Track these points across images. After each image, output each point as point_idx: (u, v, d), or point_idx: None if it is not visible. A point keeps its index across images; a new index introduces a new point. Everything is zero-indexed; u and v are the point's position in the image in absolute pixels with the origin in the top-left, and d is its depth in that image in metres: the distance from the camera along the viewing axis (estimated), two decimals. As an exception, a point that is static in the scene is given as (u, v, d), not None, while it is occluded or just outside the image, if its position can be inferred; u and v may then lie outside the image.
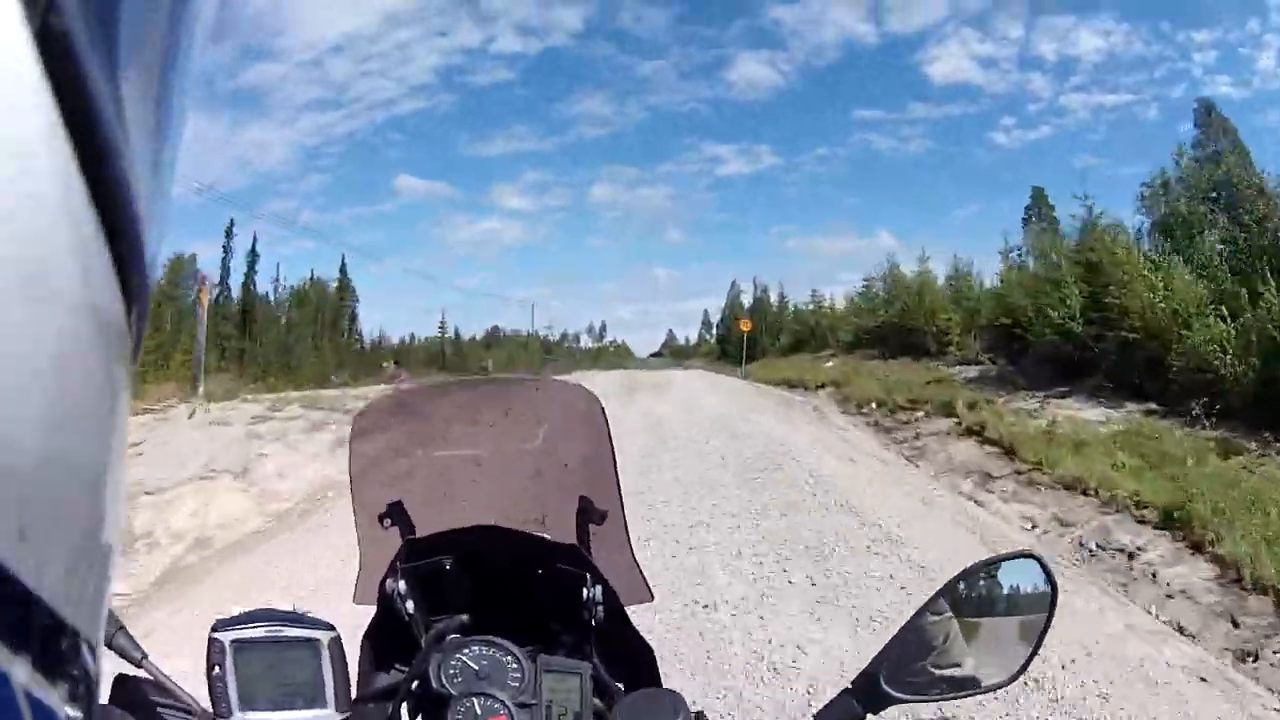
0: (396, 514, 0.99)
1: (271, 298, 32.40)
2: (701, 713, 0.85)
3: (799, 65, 55.66)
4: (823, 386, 17.59)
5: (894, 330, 21.91)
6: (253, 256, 29.68)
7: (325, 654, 0.78)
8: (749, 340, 34.57)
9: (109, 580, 0.23)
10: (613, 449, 1.03)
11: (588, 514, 1.00)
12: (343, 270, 36.62)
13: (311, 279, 35.18)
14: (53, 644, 0.19)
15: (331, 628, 0.79)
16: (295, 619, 0.79)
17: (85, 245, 0.19)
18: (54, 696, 0.19)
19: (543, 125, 66.76)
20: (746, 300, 54.12)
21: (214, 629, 0.77)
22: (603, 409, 1.06)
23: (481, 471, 1.09)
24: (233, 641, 0.76)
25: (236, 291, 30.13)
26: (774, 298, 50.29)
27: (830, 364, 22.70)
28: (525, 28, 55.64)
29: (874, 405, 13.28)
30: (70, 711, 0.20)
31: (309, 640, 0.78)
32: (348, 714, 0.79)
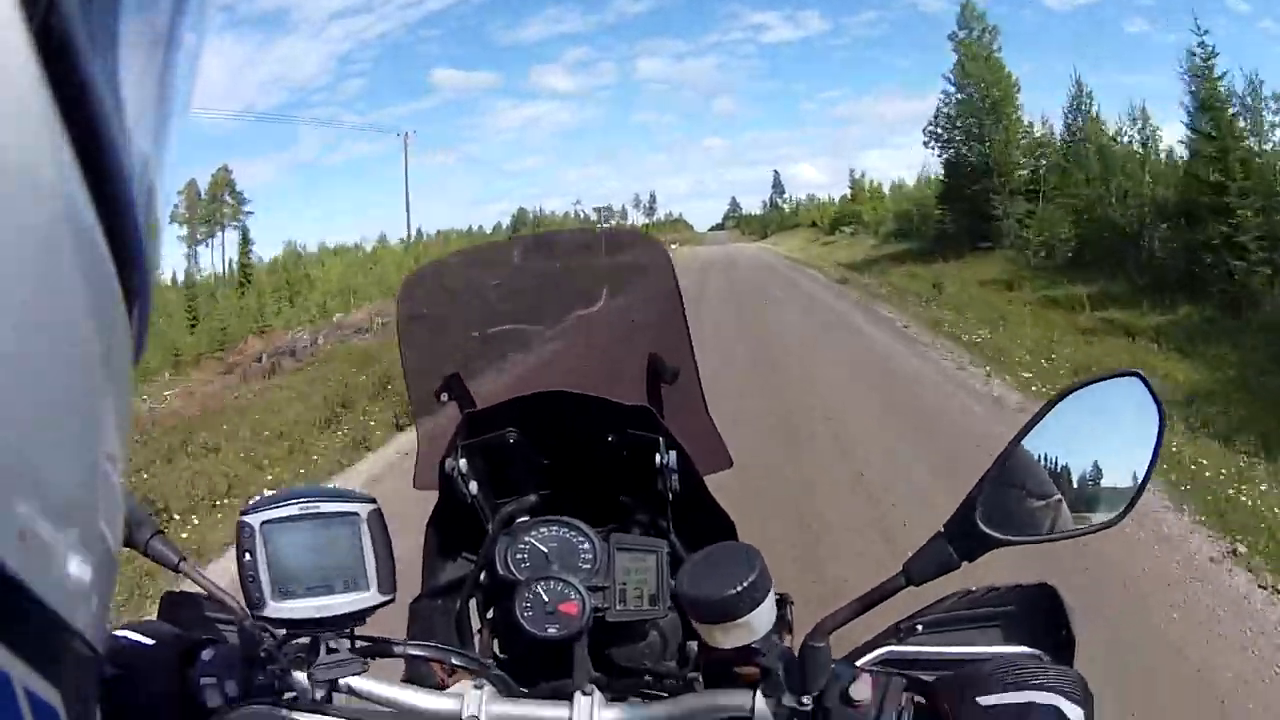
0: (454, 387, 0.92)
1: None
2: (785, 595, 0.75)
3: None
4: None
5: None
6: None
7: (365, 529, 0.69)
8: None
9: (110, 580, 0.23)
10: (681, 300, 0.91)
11: (658, 373, 0.89)
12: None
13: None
14: (53, 644, 0.19)
15: (372, 500, 0.71)
16: (331, 494, 0.70)
17: (85, 245, 0.19)
18: (54, 695, 0.19)
19: (581, 3, 62.70)
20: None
21: (243, 512, 0.69)
22: (669, 258, 0.95)
23: (542, 335, 1.01)
24: (263, 523, 0.68)
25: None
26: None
27: None
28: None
29: None
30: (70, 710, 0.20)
31: (346, 514, 0.69)
32: (391, 596, 0.72)
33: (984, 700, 0.59)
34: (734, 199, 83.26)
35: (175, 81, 0.22)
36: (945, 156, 24.61)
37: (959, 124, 23.50)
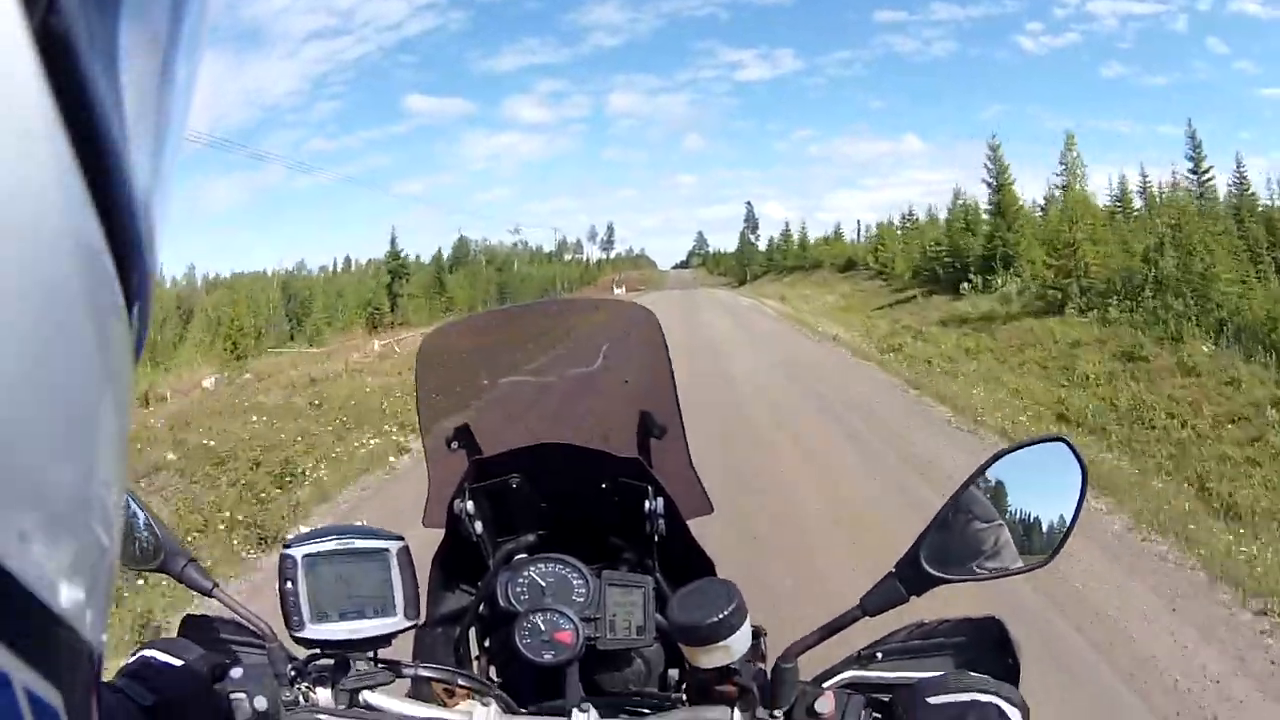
0: (463, 437, 1.02)
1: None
2: (759, 627, 0.85)
3: (820, -38, 51.16)
4: None
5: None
6: None
7: (394, 564, 0.78)
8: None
9: (110, 580, 0.23)
10: (670, 364, 1.02)
11: (648, 428, 1.01)
12: None
13: None
14: (53, 644, 0.19)
15: (400, 538, 0.80)
16: (364, 532, 0.80)
17: (85, 245, 0.19)
18: (54, 695, 0.19)
19: (555, 36, 64.32)
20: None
21: (285, 546, 0.78)
22: (659, 325, 1.06)
23: (544, 392, 1.11)
24: (304, 556, 0.77)
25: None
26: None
27: None
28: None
29: None
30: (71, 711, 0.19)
31: (378, 551, 0.78)
32: (417, 621, 0.81)
33: (933, 700, 0.69)
34: (700, 234, 77.97)
35: (177, 81, 0.22)
36: None
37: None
